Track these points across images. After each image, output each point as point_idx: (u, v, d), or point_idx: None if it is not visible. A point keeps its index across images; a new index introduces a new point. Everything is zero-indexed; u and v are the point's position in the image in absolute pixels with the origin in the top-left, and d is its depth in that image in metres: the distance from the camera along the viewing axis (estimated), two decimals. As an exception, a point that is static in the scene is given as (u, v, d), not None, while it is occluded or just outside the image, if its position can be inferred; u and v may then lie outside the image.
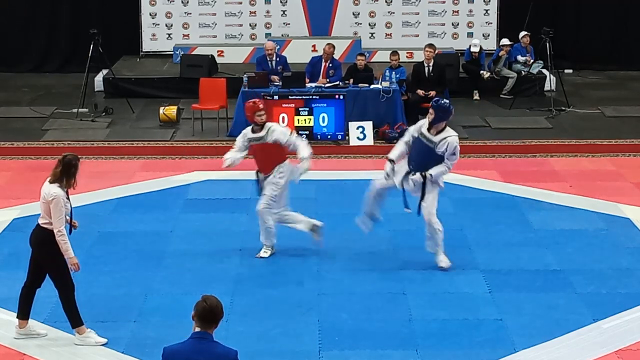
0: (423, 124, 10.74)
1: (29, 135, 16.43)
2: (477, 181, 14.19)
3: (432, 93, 16.52)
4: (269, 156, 11.11)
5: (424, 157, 10.64)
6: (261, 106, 11.11)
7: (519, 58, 19.23)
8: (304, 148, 11.06)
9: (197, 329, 6.01)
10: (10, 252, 11.31)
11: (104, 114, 17.59)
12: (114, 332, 9.29)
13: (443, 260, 10.90)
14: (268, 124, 11.16)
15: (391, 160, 10.83)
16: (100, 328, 9.32)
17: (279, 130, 11.15)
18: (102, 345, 9.04)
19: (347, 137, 16.04)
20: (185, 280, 10.63)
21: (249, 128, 11.25)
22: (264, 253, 11.21)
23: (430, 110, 10.61)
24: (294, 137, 11.18)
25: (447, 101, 10.77)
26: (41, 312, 9.62)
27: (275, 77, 16.64)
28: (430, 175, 10.58)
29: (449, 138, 10.55)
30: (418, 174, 10.69)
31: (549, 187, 13.89)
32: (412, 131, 10.84)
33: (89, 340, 9.07)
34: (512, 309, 9.81)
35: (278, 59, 17.34)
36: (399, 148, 10.89)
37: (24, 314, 9.21)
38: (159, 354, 6.01)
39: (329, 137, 16.05)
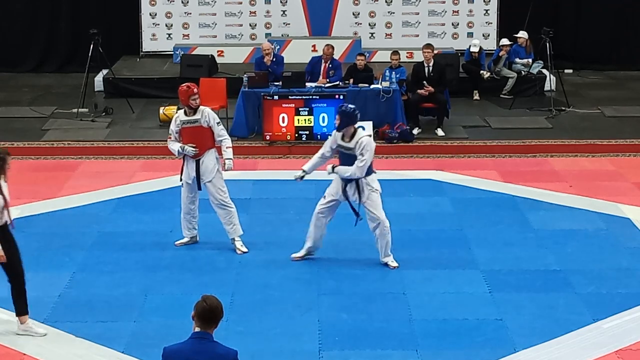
0: (337, 135, 10.87)
1: (29, 135, 16.43)
2: (477, 181, 14.18)
3: (430, 88, 16.47)
4: (200, 140, 11.20)
5: (349, 164, 10.74)
6: (195, 90, 11.21)
7: (518, 60, 19.22)
8: (229, 148, 11.28)
9: (197, 329, 6.01)
10: (10, 252, 11.28)
11: (104, 114, 17.60)
12: (114, 332, 9.29)
13: (393, 261, 10.97)
14: (201, 108, 11.28)
15: (304, 171, 11.05)
16: (100, 328, 9.34)
17: (212, 116, 11.31)
18: (101, 345, 9.02)
19: (347, 137, 16.01)
20: (185, 280, 10.63)
21: (181, 111, 11.37)
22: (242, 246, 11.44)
23: (337, 116, 10.83)
24: (221, 127, 11.36)
25: (352, 106, 10.95)
26: (42, 312, 9.64)
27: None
28: (337, 170, 10.71)
29: (361, 139, 10.70)
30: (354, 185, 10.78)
31: (549, 187, 13.89)
32: (329, 144, 10.99)
33: (30, 331, 9.15)
34: (512, 309, 9.82)
35: (275, 59, 17.33)
36: (314, 160, 11.08)
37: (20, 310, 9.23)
38: (159, 354, 6.02)
39: (329, 137, 16.00)
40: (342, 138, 10.78)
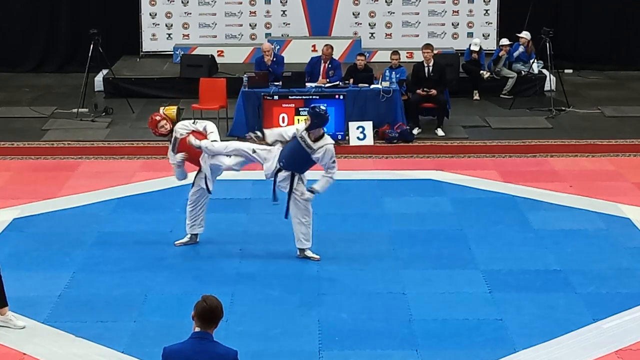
0: (304, 131, 10.92)
1: (29, 135, 16.43)
2: (477, 181, 14.18)
3: (433, 91, 16.50)
4: (191, 152, 11.20)
5: (297, 158, 10.83)
6: (158, 117, 11.33)
7: (516, 54, 19.19)
8: (212, 133, 11.19)
9: (197, 329, 6.01)
10: (10, 252, 11.30)
11: (104, 114, 17.60)
12: (114, 332, 9.29)
13: (313, 254, 11.05)
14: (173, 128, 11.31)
15: (263, 134, 11.17)
16: (100, 328, 9.33)
17: (183, 125, 11.31)
18: (101, 345, 9.03)
19: (347, 137, 16.03)
20: (185, 280, 10.64)
21: (170, 146, 11.43)
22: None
23: (307, 117, 10.90)
24: (199, 124, 11.36)
25: (324, 108, 10.99)
26: (42, 312, 9.64)
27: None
28: (317, 190, 10.86)
29: (327, 146, 10.79)
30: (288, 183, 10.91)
31: (549, 187, 13.89)
32: (293, 129, 11.01)
33: (9, 323, 9.20)
34: (512, 309, 9.81)
35: (275, 59, 17.33)
36: (278, 131, 11.20)
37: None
38: (159, 354, 6.02)
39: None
40: (308, 135, 10.80)
